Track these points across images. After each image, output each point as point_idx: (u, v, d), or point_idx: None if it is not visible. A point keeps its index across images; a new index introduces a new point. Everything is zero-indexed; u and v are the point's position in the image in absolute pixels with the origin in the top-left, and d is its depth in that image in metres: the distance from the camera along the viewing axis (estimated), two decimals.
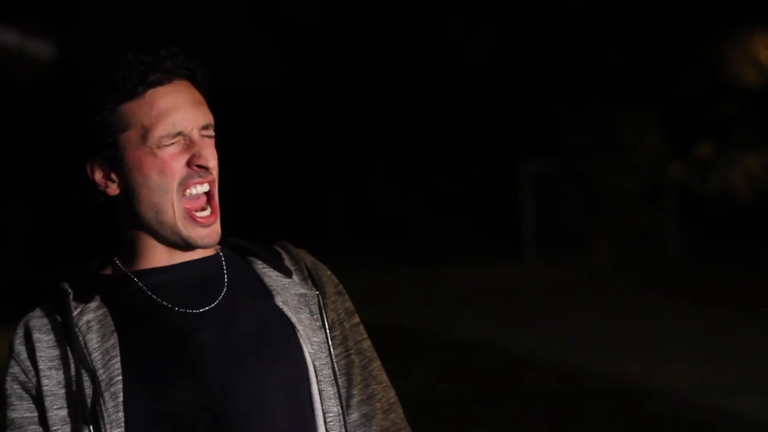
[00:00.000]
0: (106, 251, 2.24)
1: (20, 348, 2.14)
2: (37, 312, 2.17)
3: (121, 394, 2.07)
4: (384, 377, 2.27)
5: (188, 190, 2.13)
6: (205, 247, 2.16)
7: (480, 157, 23.07)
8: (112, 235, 2.22)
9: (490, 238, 21.94)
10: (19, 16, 16.97)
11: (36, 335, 2.13)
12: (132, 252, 2.18)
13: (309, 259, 2.27)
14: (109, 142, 2.14)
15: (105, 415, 2.06)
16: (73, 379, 2.09)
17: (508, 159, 22.57)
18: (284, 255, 2.26)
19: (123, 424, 2.06)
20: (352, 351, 2.24)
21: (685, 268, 18.92)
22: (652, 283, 16.92)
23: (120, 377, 2.07)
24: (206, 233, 2.14)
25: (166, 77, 2.15)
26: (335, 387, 2.17)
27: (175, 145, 2.13)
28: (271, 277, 2.20)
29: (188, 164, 2.13)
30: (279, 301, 2.17)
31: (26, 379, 2.12)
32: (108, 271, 2.21)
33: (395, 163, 22.55)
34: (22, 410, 2.13)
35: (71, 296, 2.14)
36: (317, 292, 2.21)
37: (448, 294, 15.80)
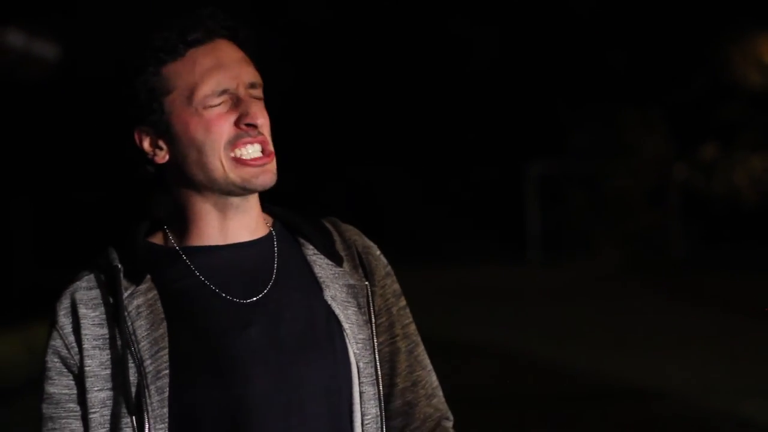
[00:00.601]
0: (156, 217, 2.19)
1: (64, 321, 2.08)
2: (84, 282, 2.10)
3: (168, 388, 2.02)
4: (427, 361, 2.23)
5: (237, 150, 2.06)
6: (261, 188, 2.08)
7: (485, 158, 23.07)
8: (162, 204, 2.18)
9: (494, 238, 21.95)
10: (24, 17, 17.00)
11: (82, 310, 2.07)
12: (183, 223, 2.12)
13: (360, 241, 2.20)
14: (154, 107, 2.07)
15: (150, 409, 2.01)
16: (118, 363, 2.04)
17: (513, 160, 22.58)
18: (336, 237, 2.19)
19: (167, 419, 2.01)
20: (398, 337, 2.19)
21: (689, 269, 18.91)
22: (656, 284, 16.92)
23: (167, 371, 2.02)
24: (261, 171, 2.06)
25: (206, 36, 2.09)
26: (376, 387, 2.12)
27: (222, 105, 2.06)
28: (321, 266, 2.13)
29: (236, 124, 2.06)
30: (328, 295, 2.11)
31: (68, 355, 2.07)
32: (158, 240, 2.15)
33: (401, 164, 22.55)
34: (61, 386, 2.08)
35: (122, 273, 2.08)
36: (367, 283, 2.15)
37: (452, 294, 15.79)
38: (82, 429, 2.08)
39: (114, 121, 2.14)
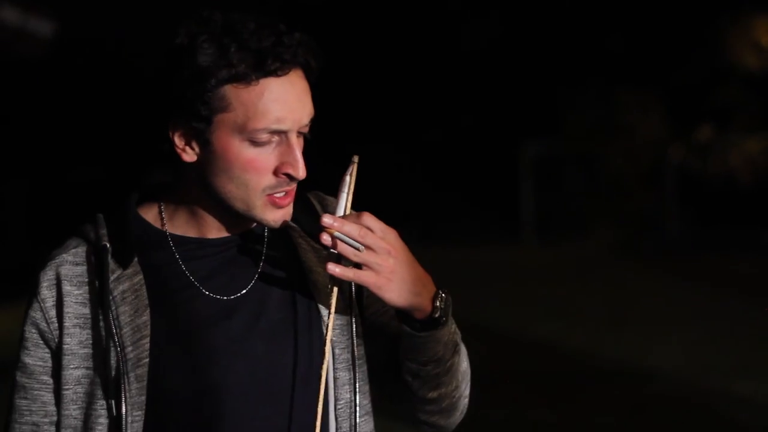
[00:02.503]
0: (150, 189, 2.14)
1: (47, 294, 2.06)
2: (70, 255, 2.08)
3: (147, 376, 2.02)
4: None
5: (269, 197, 2.03)
6: (273, 226, 2.07)
7: (480, 139, 23.05)
8: (162, 181, 2.13)
9: (489, 219, 21.95)
10: None
11: (66, 287, 2.05)
12: (182, 211, 2.10)
13: None
14: (204, 116, 2.00)
15: (128, 395, 2.01)
16: (98, 345, 2.03)
17: (508, 140, 22.56)
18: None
19: (144, 407, 2.01)
20: (390, 309, 2.18)
21: (684, 251, 18.93)
22: (651, 265, 16.94)
23: (147, 359, 2.02)
24: (281, 216, 2.04)
25: (283, 68, 2.00)
26: (351, 372, 2.12)
27: (270, 144, 2.00)
28: (306, 250, 2.14)
29: (277, 171, 2.02)
30: (311, 282, 2.11)
31: (47, 329, 2.05)
32: (150, 217, 2.12)
33: (395, 145, 22.53)
34: (36, 358, 2.07)
35: (110, 254, 2.04)
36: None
37: (446, 274, 15.78)
38: (53, 402, 2.07)
39: (155, 108, 2.06)
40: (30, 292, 2.08)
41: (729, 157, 21.73)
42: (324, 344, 2.06)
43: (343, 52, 22.21)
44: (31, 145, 20.17)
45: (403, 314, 2.07)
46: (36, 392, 2.07)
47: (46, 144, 20.13)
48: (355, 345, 2.13)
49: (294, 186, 2.05)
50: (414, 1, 22.45)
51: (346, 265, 1.99)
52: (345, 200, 2.03)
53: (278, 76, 2.00)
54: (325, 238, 1.98)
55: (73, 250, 2.08)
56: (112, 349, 2.01)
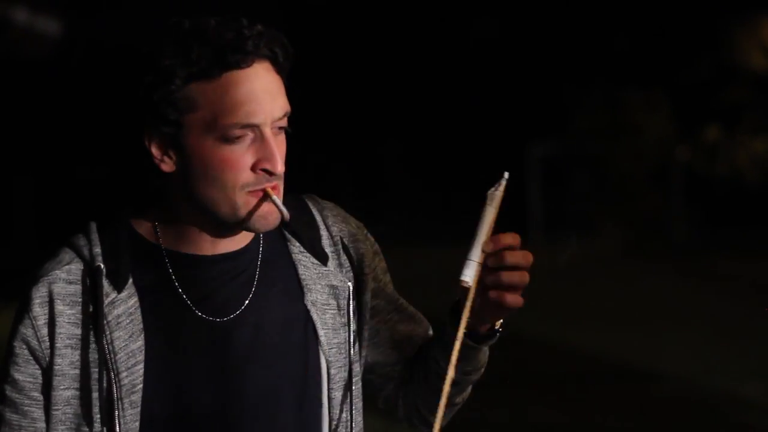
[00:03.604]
0: (145, 201, 2.07)
1: (39, 311, 1.99)
2: (63, 272, 2.00)
3: (140, 402, 1.97)
4: (414, 311, 2.26)
5: (250, 193, 1.95)
6: (264, 231, 2.00)
7: (487, 139, 23.04)
8: (155, 193, 2.05)
9: (496, 219, 21.94)
10: None
11: (59, 306, 1.98)
12: (174, 226, 2.03)
13: (346, 230, 2.15)
14: (172, 119, 1.93)
15: (122, 422, 1.96)
16: (88, 367, 1.98)
17: (515, 141, 22.55)
18: (322, 230, 2.13)
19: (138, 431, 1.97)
20: (393, 311, 2.20)
21: (691, 252, 18.91)
22: (658, 266, 16.92)
23: (141, 385, 1.97)
24: (267, 211, 1.96)
25: (245, 59, 1.93)
26: (347, 390, 2.09)
27: (244, 140, 1.93)
28: (306, 266, 2.08)
29: (254, 168, 1.94)
30: (308, 300, 2.06)
31: (38, 347, 1.99)
32: (144, 231, 2.04)
33: (402, 145, 22.53)
34: (26, 374, 2.01)
35: (104, 275, 1.98)
36: (349, 284, 2.10)
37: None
38: (43, 418, 2.02)
39: (124, 119, 2.01)
40: (21, 307, 2.02)
41: (736, 157, 21.72)
42: (319, 362, 2.05)
43: (351, 50, 22.22)
44: (39, 143, 20.20)
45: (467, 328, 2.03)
46: (26, 408, 2.02)
47: (54, 142, 20.16)
48: (353, 363, 2.09)
49: (275, 182, 1.96)
50: (423, 0, 22.45)
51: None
52: (490, 220, 2.01)
53: (241, 68, 1.93)
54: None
55: (67, 267, 2.02)
56: (105, 374, 1.97)
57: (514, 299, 2.02)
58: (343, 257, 2.13)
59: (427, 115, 22.71)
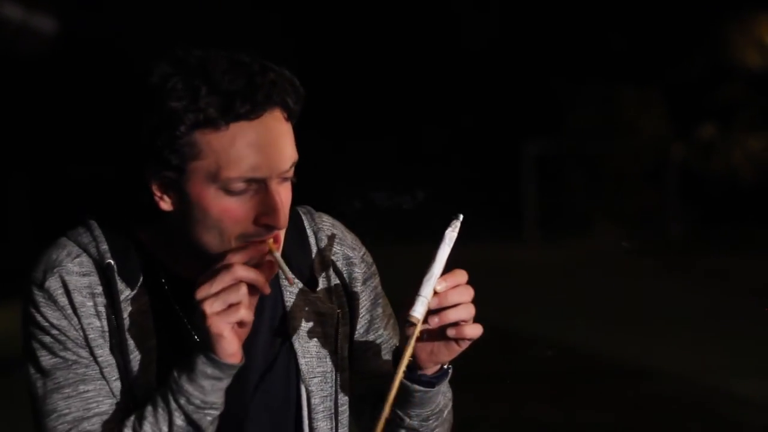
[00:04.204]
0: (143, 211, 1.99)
1: (64, 300, 1.92)
2: (74, 265, 1.95)
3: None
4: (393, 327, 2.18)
5: (248, 240, 1.89)
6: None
7: (482, 137, 23.04)
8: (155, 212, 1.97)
9: (491, 217, 21.94)
10: None
11: (78, 297, 1.93)
12: (171, 247, 1.97)
13: (341, 252, 2.10)
14: (174, 164, 1.85)
15: None
16: (108, 361, 1.94)
17: (510, 139, 22.56)
18: (314, 253, 2.06)
19: None
20: (382, 330, 2.15)
21: (686, 249, 18.92)
22: (652, 263, 16.93)
23: (155, 385, 1.94)
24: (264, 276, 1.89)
25: (254, 111, 1.84)
26: (332, 421, 2.05)
27: (246, 193, 1.86)
28: (292, 292, 2.03)
29: (256, 220, 1.87)
30: (291, 328, 2.01)
31: (78, 336, 1.92)
32: (145, 238, 1.99)
33: (397, 142, 22.53)
34: (73, 353, 1.93)
35: (116, 272, 1.94)
36: (338, 311, 2.05)
37: (448, 272, 15.78)
38: (107, 387, 1.95)
39: (125, 156, 1.93)
40: (37, 300, 1.94)
41: (731, 155, 21.74)
42: (301, 398, 2.02)
43: (346, 51, 22.22)
44: (34, 141, 20.17)
45: (413, 372, 1.99)
46: (99, 382, 1.94)
47: (49, 140, 20.14)
48: (338, 393, 2.05)
49: (277, 233, 1.89)
50: (416, 0, 22.46)
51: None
52: (444, 258, 1.99)
53: (250, 119, 1.84)
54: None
55: (78, 260, 1.96)
56: (125, 370, 1.94)
57: (472, 330, 2.00)
58: (334, 281, 2.08)
59: (421, 114, 22.70)
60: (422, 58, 22.47)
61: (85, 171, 20.09)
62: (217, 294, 1.83)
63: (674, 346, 10.39)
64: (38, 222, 19.77)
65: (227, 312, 1.83)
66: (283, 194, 1.89)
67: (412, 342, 1.91)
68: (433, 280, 1.95)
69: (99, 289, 1.95)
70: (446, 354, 1.99)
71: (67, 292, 1.93)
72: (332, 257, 2.09)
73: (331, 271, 2.08)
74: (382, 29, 22.47)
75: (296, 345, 2.02)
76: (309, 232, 2.10)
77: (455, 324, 1.97)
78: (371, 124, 22.27)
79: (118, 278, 1.94)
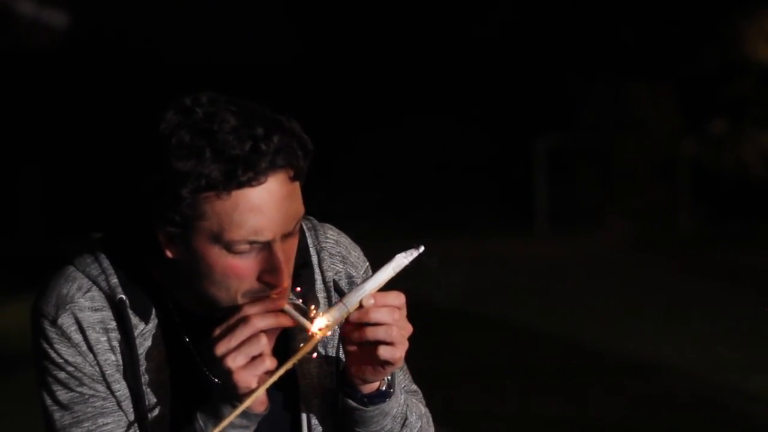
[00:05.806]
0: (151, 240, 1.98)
1: (78, 338, 1.94)
2: (86, 300, 1.96)
3: None
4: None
5: (253, 296, 1.90)
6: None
7: (493, 132, 23.04)
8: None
9: (502, 212, 21.94)
10: None
11: (92, 334, 1.95)
12: (178, 281, 1.97)
13: (343, 271, 2.09)
14: (178, 221, 1.87)
15: None
16: (125, 395, 1.97)
17: (521, 134, 22.54)
18: (317, 274, 2.07)
19: None
20: None
21: (698, 245, 18.89)
22: (664, 259, 16.91)
23: (169, 416, 1.96)
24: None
25: (257, 178, 1.84)
26: None
27: (249, 254, 1.87)
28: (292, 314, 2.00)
29: (260, 278, 1.89)
30: (291, 350, 1.99)
31: (95, 372, 1.94)
32: (153, 268, 2.00)
33: (408, 136, 22.52)
34: (90, 388, 1.95)
35: (128, 306, 1.95)
36: (339, 332, 2.02)
37: (458, 266, 15.80)
38: (116, 407, 1.97)
39: (132, 202, 1.93)
40: (48, 336, 1.96)
41: (742, 150, 21.68)
42: (299, 416, 2.02)
43: (353, 41, 22.21)
44: (46, 135, 20.22)
45: (350, 388, 1.98)
46: (113, 413, 1.96)
47: (61, 134, 20.18)
48: (339, 414, 2.04)
49: (281, 290, 1.90)
50: None
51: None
52: (382, 278, 1.92)
53: (252, 186, 1.84)
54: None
55: (89, 295, 1.97)
56: (140, 404, 1.95)
57: (387, 351, 1.90)
58: (335, 300, 2.05)
59: (433, 108, 22.69)
60: (433, 52, 22.46)
61: (96, 164, 20.14)
62: (238, 348, 1.84)
63: (686, 341, 10.37)
64: (50, 215, 19.82)
65: (253, 365, 1.84)
66: (288, 250, 1.90)
67: (311, 343, 1.89)
68: (361, 293, 1.90)
69: (112, 324, 1.96)
70: (372, 373, 1.95)
71: (82, 330, 1.95)
72: (335, 276, 2.09)
73: (333, 292, 2.08)
74: (394, 22, 22.46)
75: (296, 366, 2.00)
76: (312, 251, 2.09)
77: (371, 343, 1.91)
78: (378, 116, 22.28)
79: (130, 312, 1.95)
